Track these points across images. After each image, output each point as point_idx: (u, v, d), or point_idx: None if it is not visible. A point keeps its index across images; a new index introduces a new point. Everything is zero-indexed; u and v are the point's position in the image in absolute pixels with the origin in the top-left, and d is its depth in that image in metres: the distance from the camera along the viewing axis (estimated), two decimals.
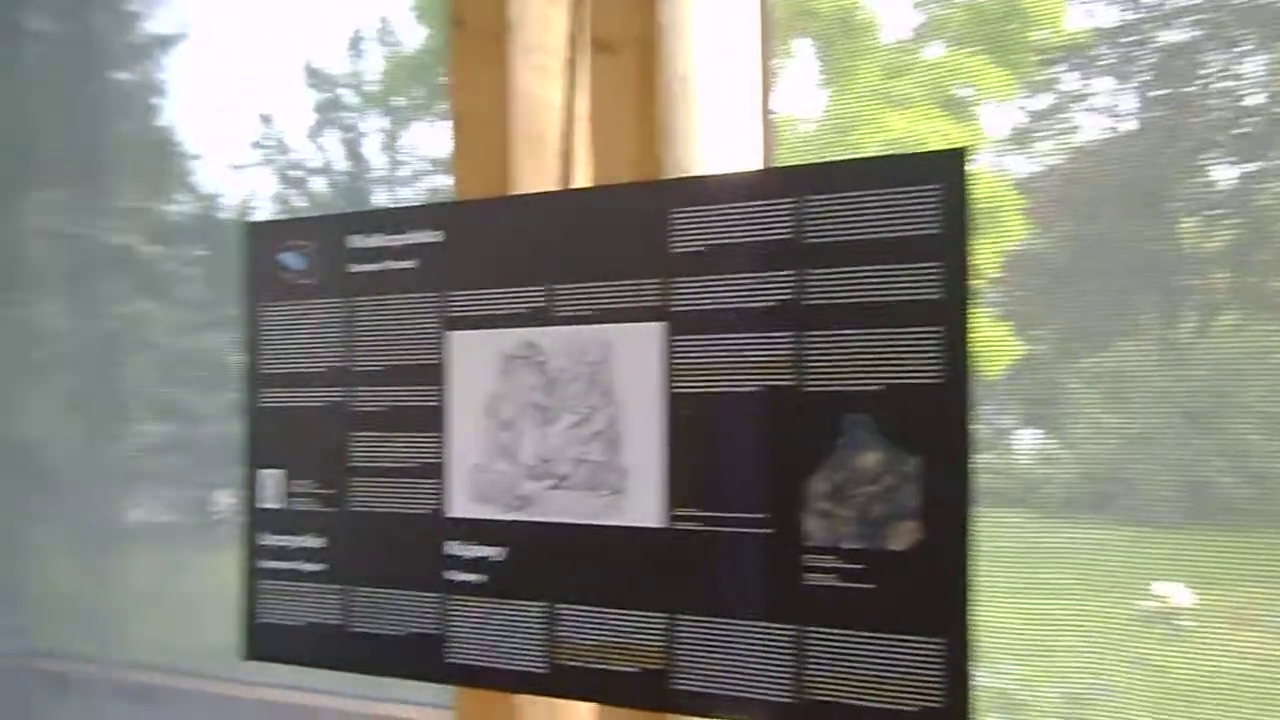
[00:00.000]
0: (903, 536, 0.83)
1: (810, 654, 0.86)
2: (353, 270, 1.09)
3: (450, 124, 1.09)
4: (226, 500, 1.81)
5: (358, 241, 1.09)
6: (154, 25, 2.07)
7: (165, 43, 2.07)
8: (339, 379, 1.10)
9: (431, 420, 1.05)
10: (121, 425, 1.79)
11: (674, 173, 0.97)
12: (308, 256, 1.12)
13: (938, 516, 0.82)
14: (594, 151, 1.01)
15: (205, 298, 1.93)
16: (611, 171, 1.00)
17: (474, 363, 1.03)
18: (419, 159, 1.95)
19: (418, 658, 1.06)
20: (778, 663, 0.88)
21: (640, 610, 0.95)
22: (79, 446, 1.78)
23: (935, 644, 0.82)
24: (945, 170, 0.82)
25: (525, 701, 1.08)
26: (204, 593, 1.67)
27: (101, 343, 1.80)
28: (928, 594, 0.82)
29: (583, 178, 1.05)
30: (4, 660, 1.68)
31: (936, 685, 0.82)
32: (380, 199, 1.92)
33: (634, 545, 0.95)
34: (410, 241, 1.07)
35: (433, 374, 1.05)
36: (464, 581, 1.03)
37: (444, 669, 1.05)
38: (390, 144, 2.00)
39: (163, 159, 2.01)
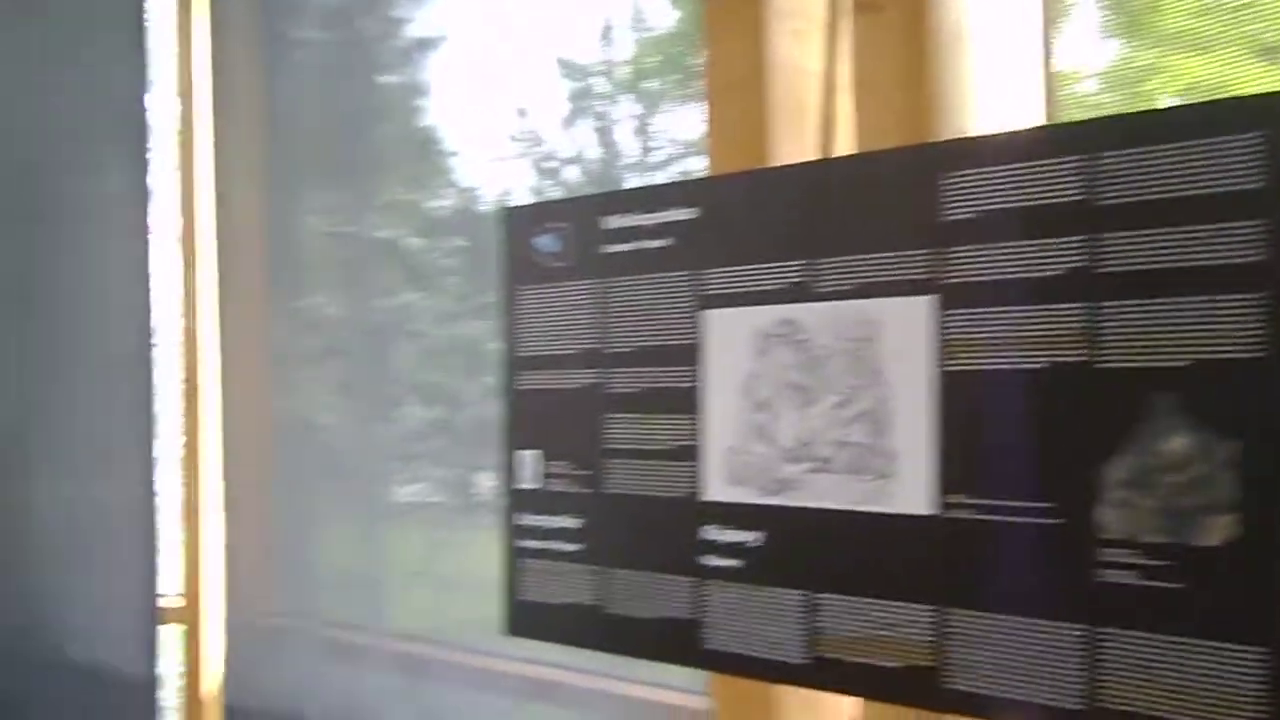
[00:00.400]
0: (1216, 531, 0.73)
1: (1104, 657, 0.78)
2: (606, 251, 1.09)
3: (704, 98, 1.06)
4: (484, 482, 1.87)
5: (612, 222, 1.08)
6: (416, 29, 2.16)
7: (426, 45, 2.17)
8: (594, 361, 1.10)
9: (686, 401, 1.03)
10: (389, 409, 1.87)
11: (946, 136, 0.91)
12: (563, 239, 1.13)
13: (1259, 510, 0.72)
14: (858, 118, 0.96)
15: (466, 288, 2.00)
16: (877, 139, 0.94)
17: (729, 342, 1.00)
18: (671, 143, 1.94)
19: (673, 642, 1.04)
20: (1065, 665, 0.80)
21: (908, 602, 0.89)
22: (352, 429, 1.89)
23: (1255, 654, 0.72)
24: (1268, 116, 0.72)
25: (783, 691, 1.05)
26: (465, 570, 1.73)
27: (370, 331, 1.89)
28: (1245, 597, 0.73)
29: (844, 148, 1.00)
30: (294, 626, 1.80)
31: (1255, 701, 0.72)
32: (633, 185, 1.93)
33: (901, 533, 0.89)
34: (664, 220, 1.05)
35: (687, 354, 1.03)
36: (720, 566, 1.01)
37: (699, 654, 1.03)
38: (642, 129, 2.01)
39: (425, 156, 2.10)
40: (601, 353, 1.09)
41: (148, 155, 1.87)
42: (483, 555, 1.78)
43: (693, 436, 1.03)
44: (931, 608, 0.88)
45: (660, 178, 1.94)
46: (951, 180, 0.86)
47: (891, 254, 0.89)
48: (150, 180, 1.87)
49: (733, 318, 1.00)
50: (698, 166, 1.85)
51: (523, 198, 2.02)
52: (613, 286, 1.08)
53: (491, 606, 1.65)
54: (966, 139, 0.92)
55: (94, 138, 2.01)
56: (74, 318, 2.09)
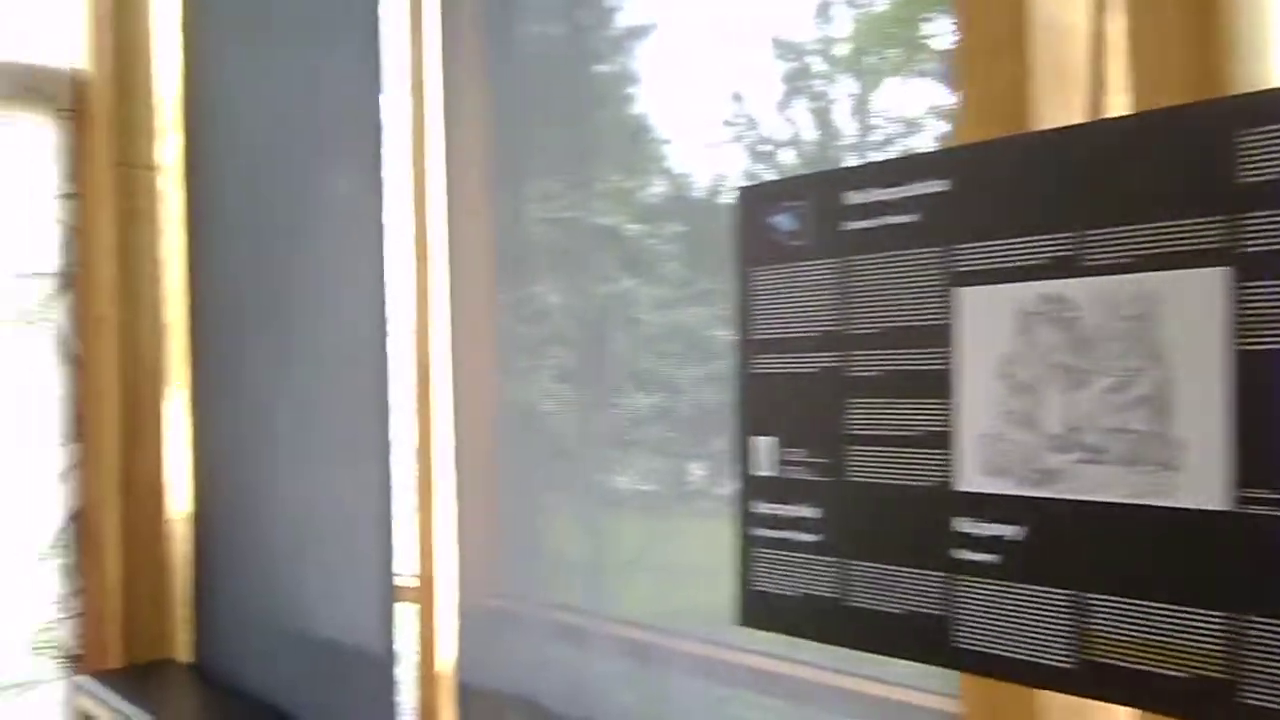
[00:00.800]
0: None
1: None
2: (848, 228, 1.04)
3: (956, 62, 1.00)
4: (704, 470, 1.85)
5: (854, 198, 1.03)
6: (627, 18, 2.16)
7: (639, 33, 2.17)
8: (834, 343, 1.05)
9: (937, 385, 0.97)
10: (609, 396, 1.88)
11: (1239, 90, 0.82)
12: (800, 217, 1.09)
13: None
14: (1134, 76, 0.87)
15: (685, 273, 1.99)
16: (1155, 99, 0.86)
17: (986, 321, 0.94)
18: (892, 121, 1.87)
19: (920, 639, 0.99)
20: None
21: (1196, 607, 0.81)
22: (574, 416, 1.90)
23: None
24: None
25: (1045, 697, 0.98)
26: (687, 557, 1.72)
27: (591, 319, 1.90)
28: None
29: (1117, 110, 0.92)
30: (521, 609, 1.84)
31: None
32: (852, 164, 1.87)
33: (1188, 530, 0.81)
34: (911, 193, 0.99)
35: (938, 335, 0.97)
36: (974, 561, 0.95)
37: (950, 653, 0.97)
38: (860, 109, 1.94)
39: (641, 143, 2.09)
40: (843, 334, 1.05)
41: (382, 153, 1.94)
42: (705, 543, 1.76)
43: (944, 422, 0.97)
44: (1225, 613, 0.79)
45: (880, 157, 1.87)
46: (1250, 137, 0.77)
47: (1176, 222, 0.81)
48: (384, 177, 1.94)
49: (989, 295, 0.94)
50: (920, 144, 1.77)
51: (738, 182, 2.00)
52: (855, 265, 1.03)
53: (715, 595, 1.63)
54: (1269, 91, 0.82)
55: (330, 138, 2.11)
56: (314, 313, 2.20)
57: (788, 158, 1.99)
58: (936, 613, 0.97)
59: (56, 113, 2.72)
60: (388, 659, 1.96)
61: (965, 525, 0.95)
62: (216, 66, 2.59)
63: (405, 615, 1.96)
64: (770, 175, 2.01)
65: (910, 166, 1.01)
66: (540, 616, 1.80)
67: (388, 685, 1.95)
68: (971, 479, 0.95)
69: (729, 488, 1.73)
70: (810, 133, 1.96)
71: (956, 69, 1.02)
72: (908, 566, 1.00)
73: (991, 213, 0.94)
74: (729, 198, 2.01)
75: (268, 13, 2.33)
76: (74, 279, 2.75)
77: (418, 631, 1.93)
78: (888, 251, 1.01)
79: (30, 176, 2.70)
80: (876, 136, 1.93)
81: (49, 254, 2.73)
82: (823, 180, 1.07)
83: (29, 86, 2.68)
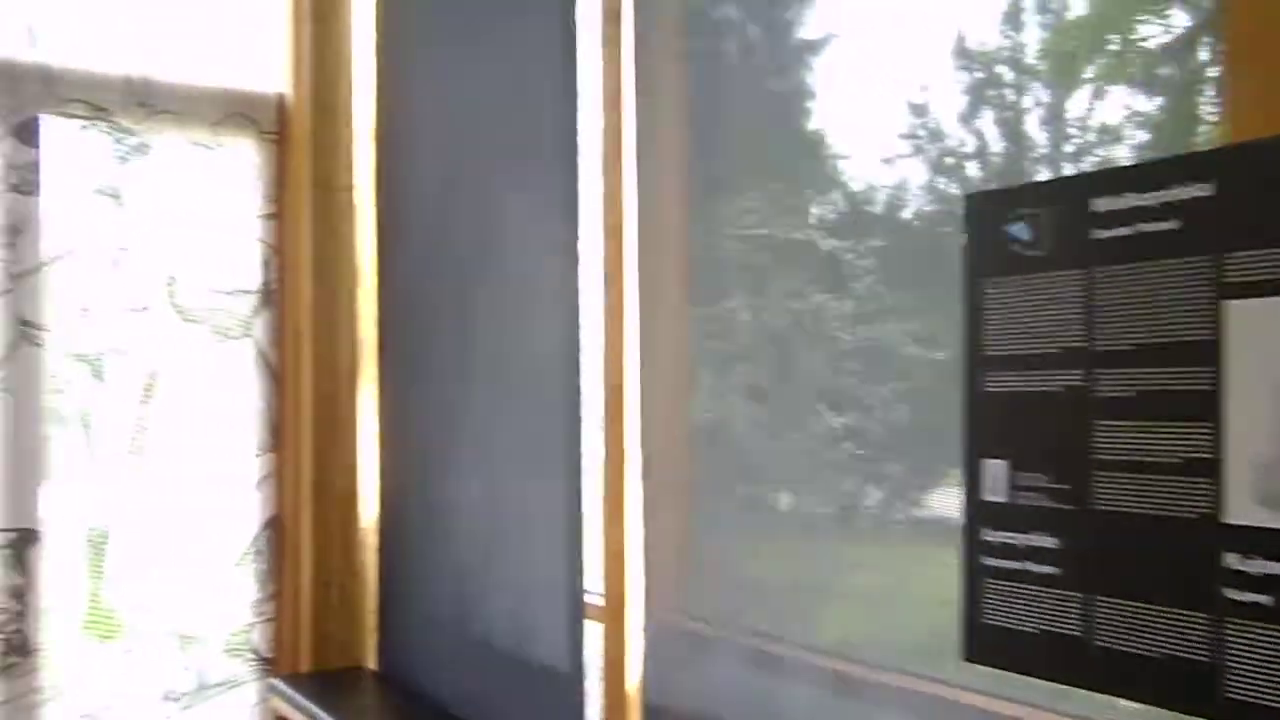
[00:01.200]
0: None
1: None
2: (1095, 237, 0.97)
3: (1221, 60, 0.92)
4: (898, 493, 1.78)
5: (1104, 204, 0.96)
6: (804, 32, 2.12)
7: (813, 47, 2.12)
8: (1078, 360, 0.98)
9: (1202, 407, 0.89)
10: (800, 414, 1.83)
11: None
12: (1038, 226, 1.02)
13: None
14: None
15: (877, 289, 1.92)
16: None
17: (1260, 337, 0.85)
18: (1086, 130, 1.76)
19: (1184, 688, 0.90)
20: None
21: None
22: (765, 434, 1.86)
23: None
24: None
25: None
26: (883, 584, 1.65)
27: (781, 335, 1.86)
28: None
29: None
30: (710, 631, 1.80)
31: None
32: (1048, 177, 1.77)
33: None
34: (1170, 198, 0.91)
35: (1203, 352, 0.89)
36: (1250, 603, 0.86)
37: (1218, 704, 0.88)
38: (1053, 118, 1.83)
39: (825, 158, 2.04)
40: (1088, 351, 0.97)
41: (577, 168, 1.94)
42: (909, 571, 1.69)
43: (1211, 448, 0.88)
44: None
45: (1073, 169, 1.77)
46: None
47: None
48: (578, 193, 1.94)
49: (1264, 309, 0.85)
50: (1119, 155, 1.66)
51: (918, 196, 1.92)
52: (1104, 276, 0.96)
53: (925, 626, 1.56)
54: None
55: (523, 154, 2.13)
56: (503, 327, 2.22)
57: (972, 170, 1.90)
58: (1204, 659, 0.88)
59: (260, 136, 2.85)
60: (575, 676, 1.95)
61: (1236, 562, 0.87)
62: (409, 87, 2.66)
63: (592, 633, 1.95)
64: (953, 188, 1.93)
65: (1168, 169, 0.93)
66: (732, 640, 1.75)
67: (575, 703, 1.94)
68: (1243, 510, 0.86)
69: (934, 511, 1.66)
70: (996, 144, 1.87)
71: (1223, 67, 0.93)
72: (1167, 605, 0.91)
73: (1265, 218, 0.85)
74: (915, 210, 1.94)
75: (461, 33, 2.38)
76: (273, 295, 2.86)
77: (603, 650, 1.91)
78: (1144, 261, 0.93)
79: (234, 198, 2.84)
80: (1069, 147, 1.82)
81: (250, 272, 2.85)
82: (1066, 186, 1.00)
83: (236, 112, 2.81)
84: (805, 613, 1.72)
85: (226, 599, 2.82)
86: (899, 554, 1.72)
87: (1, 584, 2.56)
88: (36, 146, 2.60)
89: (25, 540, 2.59)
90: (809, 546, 1.77)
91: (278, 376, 2.87)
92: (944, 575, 1.60)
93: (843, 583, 1.72)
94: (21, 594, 2.58)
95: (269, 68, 2.88)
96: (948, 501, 1.67)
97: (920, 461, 1.73)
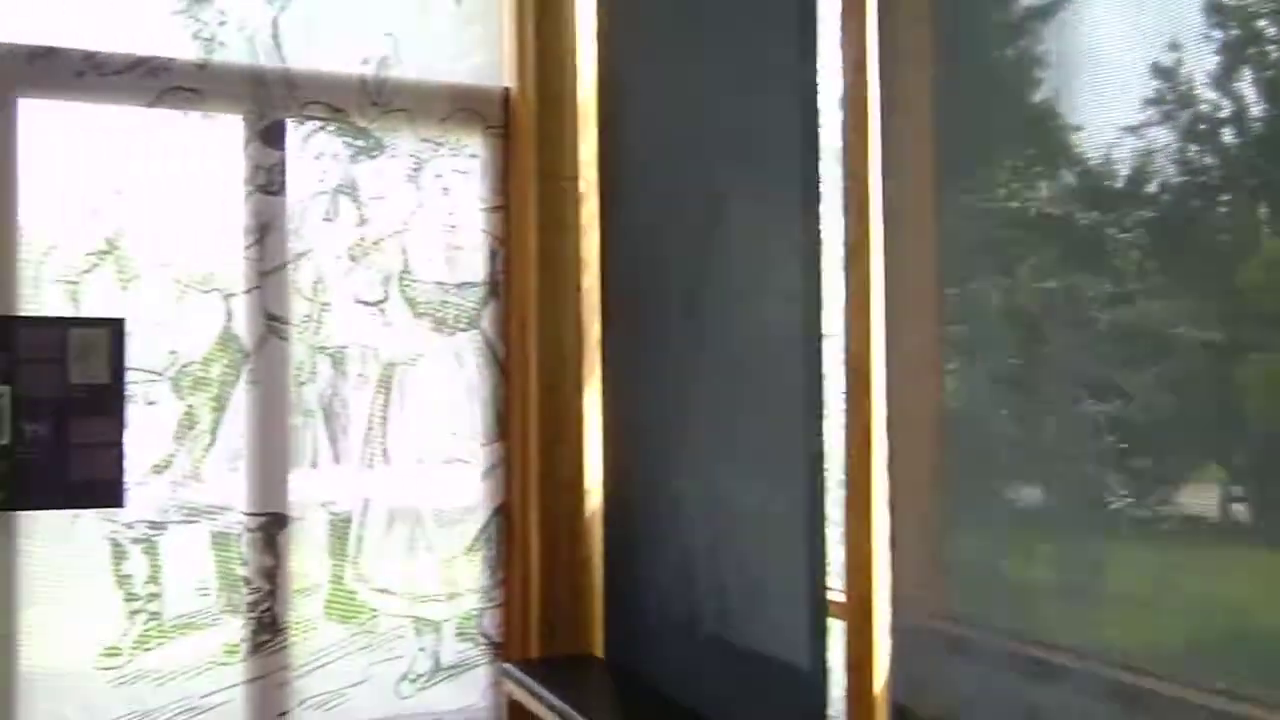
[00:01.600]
0: None
1: None
2: None
3: None
4: (1181, 488, 1.62)
5: None
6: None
7: (1045, 13, 1.98)
8: None
9: None
10: (1061, 402, 1.69)
11: None
12: None
13: None
14: None
15: (1141, 266, 1.76)
16: None
17: None
18: None
19: None
20: None
21: None
22: (1022, 424, 1.73)
23: None
24: None
25: None
26: (1170, 588, 1.50)
27: (1035, 317, 1.73)
28: None
29: None
30: (965, 633, 1.70)
31: None
32: None
33: None
34: None
35: None
36: None
37: None
38: None
39: (1049, 131, 1.90)
40: None
41: (817, 148, 1.87)
42: (1182, 572, 1.53)
43: None
44: None
45: None
46: None
47: None
48: (818, 172, 1.87)
49: None
50: None
51: (1166, 168, 1.76)
52: None
53: (1213, 633, 1.41)
54: None
55: (757, 135, 2.07)
56: (733, 314, 2.17)
57: (1228, 136, 1.72)
58: None
59: (485, 130, 2.89)
60: (818, 676, 1.88)
61: None
62: (632, 73, 2.64)
63: (834, 630, 1.87)
64: (1209, 158, 1.75)
65: None
66: (990, 643, 1.64)
67: (817, 703, 1.87)
68: None
69: (1202, 508, 1.51)
70: (1258, 107, 1.68)
71: None
72: None
73: None
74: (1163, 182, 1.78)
75: (687, 11, 2.34)
76: (499, 287, 2.91)
77: (847, 649, 1.83)
78: None
79: (462, 191, 2.90)
80: None
81: (477, 264, 2.91)
82: None
83: (463, 107, 2.87)
84: (1073, 615, 1.58)
85: (458, 584, 2.89)
86: (1169, 554, 1.57)
87: (255, 565, 2.70)
88: (282, 149, 2.73)
89: (276, 524, 2.72)
90: (1068, 544, 1.64)
91: (504, 367, 2.92)
92: (1224, 578, 1.44)
93: (1110, 583, 1.59)
94: (272, 574, 2.71)
95: (495, 63, 2.92)
96: (1212, 498, 1.52)
97: (1187, 455, 1.59)
